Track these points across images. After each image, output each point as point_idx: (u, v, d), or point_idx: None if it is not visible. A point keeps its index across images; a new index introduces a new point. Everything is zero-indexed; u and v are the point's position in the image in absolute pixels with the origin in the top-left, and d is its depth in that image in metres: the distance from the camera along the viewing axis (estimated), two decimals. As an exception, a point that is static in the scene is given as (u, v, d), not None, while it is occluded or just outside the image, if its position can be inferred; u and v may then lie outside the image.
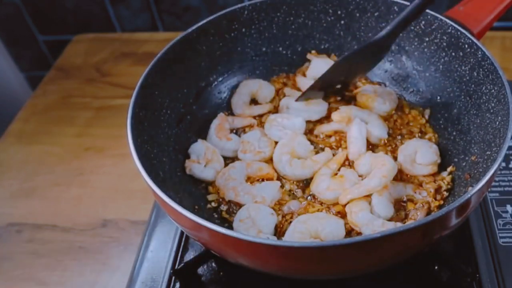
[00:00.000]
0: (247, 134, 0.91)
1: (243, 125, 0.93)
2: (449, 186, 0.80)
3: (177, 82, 0.89)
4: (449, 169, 0.82)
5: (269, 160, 0.87)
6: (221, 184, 0.83)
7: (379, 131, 0.88)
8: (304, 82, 0.96)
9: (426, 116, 0.92)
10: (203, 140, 0.90)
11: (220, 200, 0.83)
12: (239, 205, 0.81)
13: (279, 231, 0.77)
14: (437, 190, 0.80)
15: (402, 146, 0.86)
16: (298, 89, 0.97)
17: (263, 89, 0.97)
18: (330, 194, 0.80)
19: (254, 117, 0.94)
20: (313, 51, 1.01)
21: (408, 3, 0.89)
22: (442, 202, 0.78)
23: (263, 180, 0.85)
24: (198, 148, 0.88)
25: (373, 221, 0.74)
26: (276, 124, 0.90)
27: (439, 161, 0.84)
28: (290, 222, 0.77)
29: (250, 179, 0.85)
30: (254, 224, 0.76)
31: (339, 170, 0.84)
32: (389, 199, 0.78)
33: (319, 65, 0.97)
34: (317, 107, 0.93)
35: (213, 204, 0.83)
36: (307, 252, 0.59)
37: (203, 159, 0.86)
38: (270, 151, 0.88)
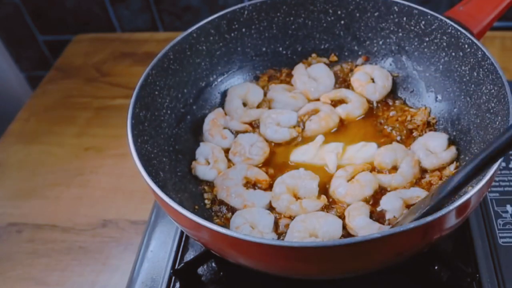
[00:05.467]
0: (243, 136, 0.90)
1: (239, 129, 0.92)
2: None
3: (177, 82, 0.89)
4: (454, 164, 0.82)
5: (268, 164, 0.87)
6: (218, 183, 0.83)
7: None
8: (300, 71, 0.97)
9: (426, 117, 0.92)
10: (205, 142, 0.89)
11: (215, 199, 0.83)
12: (228, 207, 0.81)
13: (280, 232, 0.77)
14: None
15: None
16: (287, 82, 0.99)
17: (251, 92, 0.96)
18: (350, 199, 0.79)
19: (251, 123, 0.93)
20: (313, 55, 1.01)
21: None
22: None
23: (259, 187, 0.84)
24: (203, 150, 0.88)
25: (370, 225, 0.74)
26: (270, 121, 0.90)
27: (451, 138, 0.85)
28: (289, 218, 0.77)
29: (247, 183, 0.84)
30: (253, 226, 0.76)
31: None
32: (398, 195, 0.77)
33: (319, 68, 0.98)
34: (298, 101, 0.94)
35: (207, 202, 0.83)
36: (307, 252, 0.59)
37: (211, 158, 0.86)
38: (260, 159, 0.87)
